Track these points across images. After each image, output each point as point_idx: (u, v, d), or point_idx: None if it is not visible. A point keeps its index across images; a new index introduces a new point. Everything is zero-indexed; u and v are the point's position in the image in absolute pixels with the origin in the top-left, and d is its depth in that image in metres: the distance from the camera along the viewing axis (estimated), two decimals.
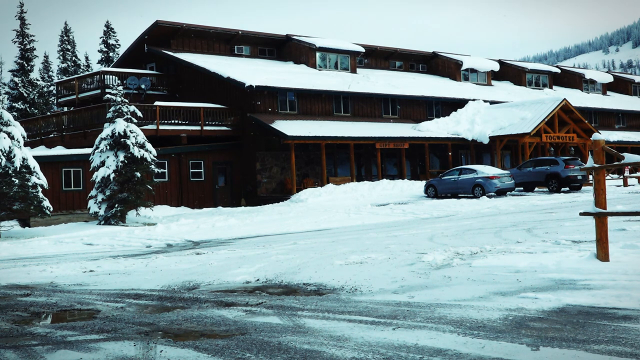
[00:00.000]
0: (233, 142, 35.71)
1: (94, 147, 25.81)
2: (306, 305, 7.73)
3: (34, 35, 54.84)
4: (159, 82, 39.29)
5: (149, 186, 25.87)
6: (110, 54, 61.03)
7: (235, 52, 42.63)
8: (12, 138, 22.64)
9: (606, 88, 61.61)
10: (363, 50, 45.07)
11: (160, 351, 5.99)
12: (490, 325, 6.25)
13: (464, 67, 50.27)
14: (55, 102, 51.28)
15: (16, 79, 54.32)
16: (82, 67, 64.38)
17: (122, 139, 25.03)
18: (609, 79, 62.23)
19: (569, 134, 40.88)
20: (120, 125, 25.13)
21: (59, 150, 31.92)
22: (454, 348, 5.54)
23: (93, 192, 25.29)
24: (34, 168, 22.80)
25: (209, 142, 35.03)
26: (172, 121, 33.72)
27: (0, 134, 22.31)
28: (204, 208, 32.51)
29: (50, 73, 65.53)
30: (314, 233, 18.22)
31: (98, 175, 24.94)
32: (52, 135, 36.02)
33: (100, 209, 24.87)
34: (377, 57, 49.46)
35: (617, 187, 31.74)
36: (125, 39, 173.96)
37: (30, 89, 54.45)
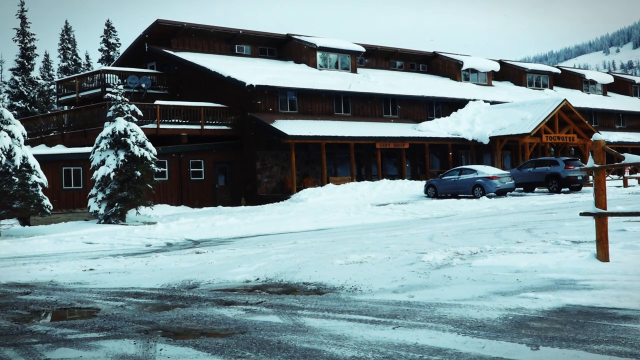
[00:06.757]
0: (233, 142, 35.71)
1: (94, 145, 25.80)
2: (306, 305, 7.73)
3: (34, 34, 54.87)
4: (160, 81, 39.30)
5: (149, 185, 25.86)
6: (111, 53, 61.02)
7: (236, 52, 42.63)
8: (12, 136, 22.63)
9: (606, 89, 61.60)
10: (363, 50, 45.07)
11: (160, 349, 5.99)
12: (490, 325, 6.25)
13: (464, 68, 50.26)
14: (55, 100, 51.26)
15: (17, 78, 54.30)
16: (82, 66, 64.39)
17: (123, 138, 25.02)
18: (609, 79, 62.23)
19: (569, 135, 40.88)
20: (120, 124, 25.12)
21: (59, 149, 31.94)
22: (453, 347, 5.54)
23: (93, 191, 25.27)
24: (34, 167, 22.79)
25: (209, 142, 35.04)
26: (173, 120, 33.74)
27: (1, 132, 22.30)
28: (204, 207, 32.50)
29: (51, 72, 65.51)
30: (314, 232, 18.22)
31: (98, 174, 24.93)
32: (53, 134, 36.04)
33: (100, 207, 24.86)
34: (377, 57, 49.46)
35: (617, 188, 31.72)
36: (126, 38, 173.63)
37: (31, 88, 54.43)
